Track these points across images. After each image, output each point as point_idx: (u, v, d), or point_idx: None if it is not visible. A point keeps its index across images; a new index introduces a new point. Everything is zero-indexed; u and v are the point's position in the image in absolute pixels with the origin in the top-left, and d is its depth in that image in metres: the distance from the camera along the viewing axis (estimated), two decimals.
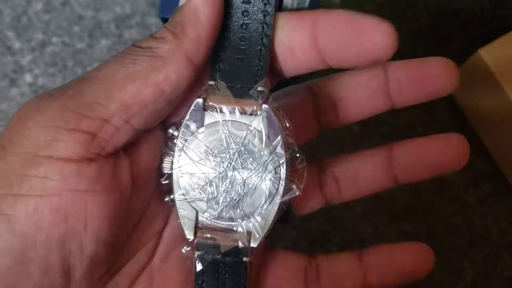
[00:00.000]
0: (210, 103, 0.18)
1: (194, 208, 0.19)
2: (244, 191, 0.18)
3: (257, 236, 0.19)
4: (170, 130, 0.19)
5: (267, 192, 0.18)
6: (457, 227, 0.40)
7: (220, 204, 0.18)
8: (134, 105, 0.15)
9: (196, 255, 0.19)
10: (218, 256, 0.19)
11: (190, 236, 0.19)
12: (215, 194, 0.18)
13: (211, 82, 0.18)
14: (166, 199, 0.19)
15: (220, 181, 0.18)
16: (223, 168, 0.18)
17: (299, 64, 0.18)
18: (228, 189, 0.18)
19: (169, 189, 0.19)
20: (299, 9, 0.19)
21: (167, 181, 0.19)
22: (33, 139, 0.15)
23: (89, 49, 0.43)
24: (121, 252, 0.18)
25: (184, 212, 0.19)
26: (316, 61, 0.18)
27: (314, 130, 0.22)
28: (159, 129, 0.19)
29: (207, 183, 0.18)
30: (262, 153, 0.18)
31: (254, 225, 0.19)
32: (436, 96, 0.20)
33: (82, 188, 0.15)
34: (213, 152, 0.18)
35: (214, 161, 0.18)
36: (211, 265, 0.19)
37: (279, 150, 0.18)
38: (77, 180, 0.15)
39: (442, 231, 0.40)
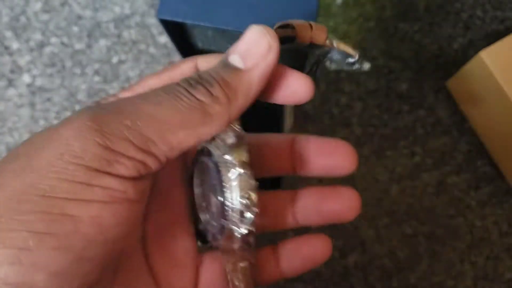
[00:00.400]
0: None
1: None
2: None
3: None
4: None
5: None
6: (457, 229, 0.40)
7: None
8: (178, 148, 0.19)
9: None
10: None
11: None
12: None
13: None
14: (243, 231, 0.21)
15: None
16: None
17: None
18: None
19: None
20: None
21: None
22: (94, 156, 0.17)
23: (88, 49, 0.43)
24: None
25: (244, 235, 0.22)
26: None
27: None
28: None
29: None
30: None
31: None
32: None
33: (136, 199, 0.18)
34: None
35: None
36: None
37: None
38: (133, 192, 0.18)
39: (442, 233, 0.40)
